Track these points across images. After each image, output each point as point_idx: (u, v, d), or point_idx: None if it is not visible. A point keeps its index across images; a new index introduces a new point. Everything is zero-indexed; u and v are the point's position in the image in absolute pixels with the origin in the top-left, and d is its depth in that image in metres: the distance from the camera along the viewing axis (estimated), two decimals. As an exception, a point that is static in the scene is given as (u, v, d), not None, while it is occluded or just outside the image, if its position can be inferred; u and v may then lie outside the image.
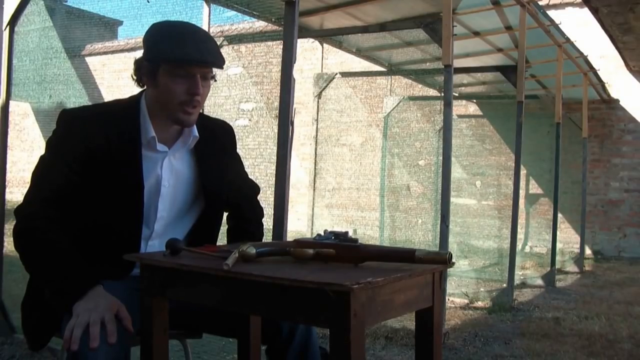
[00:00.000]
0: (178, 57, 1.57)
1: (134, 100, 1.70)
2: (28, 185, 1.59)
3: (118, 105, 1.71)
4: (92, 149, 1.59)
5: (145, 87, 1.69)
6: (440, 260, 1.33)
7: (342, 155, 9.71)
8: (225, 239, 1.90)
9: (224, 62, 1.66)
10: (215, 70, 1.69)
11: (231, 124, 1.94)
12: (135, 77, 1.68)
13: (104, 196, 1.60)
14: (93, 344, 1.34)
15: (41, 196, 1.57)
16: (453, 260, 1.35)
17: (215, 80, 1.73)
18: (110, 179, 1.60)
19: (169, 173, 1.69)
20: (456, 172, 8.56)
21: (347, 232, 1.45)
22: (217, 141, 1.81)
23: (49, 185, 1.57)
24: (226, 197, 1.80)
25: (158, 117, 1.66)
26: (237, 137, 1.92)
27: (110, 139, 1.61)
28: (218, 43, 4.37)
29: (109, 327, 1.38)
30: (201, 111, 1.76)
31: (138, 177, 1.63)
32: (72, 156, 1.58)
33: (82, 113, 1.68)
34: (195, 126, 1.72)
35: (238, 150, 1.92)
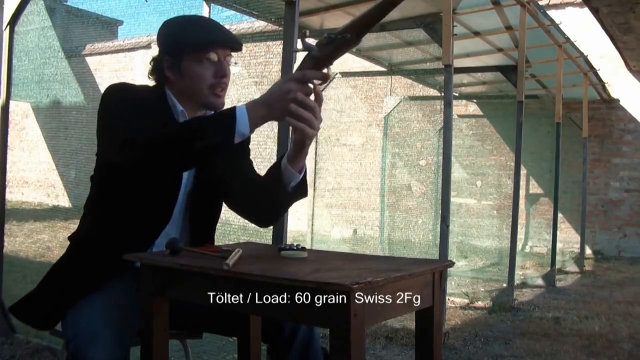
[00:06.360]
0: (204, 40, 1.61)
1: (157, 88, 1.70)
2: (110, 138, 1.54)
3: (148, 87, 1.72)
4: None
5: (156, 82, 1.70)
6: None
7: (342, 155, 9.70)
8: (226, 239, 1.90)
9: (242, 45, 1.70)
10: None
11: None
12: (152, 76, 1.69)
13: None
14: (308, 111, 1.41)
15: (134, 132, 1.47)
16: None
17: (236, 64, 1.76)
18: None
19: None
20: (456, 172, 8.56)
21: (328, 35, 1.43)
22: None
23: (131, 129, 1.49)
24: (219, 181, 1.73)
25: (185, 107, 1.67)
26: None
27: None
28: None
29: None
30: None
31: None
32: (138, 108, 1.56)
33: (132, 84, 1.69)
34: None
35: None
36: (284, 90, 1.40)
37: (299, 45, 1.47)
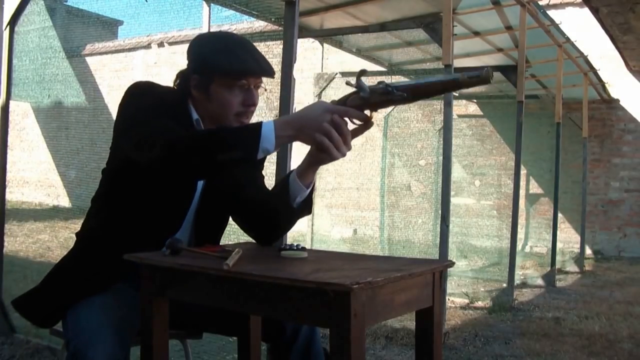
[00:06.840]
0: (238, 69, 1.56)
1: (179, 95, 1.65)
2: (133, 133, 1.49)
3: (172, 89, 1.68)
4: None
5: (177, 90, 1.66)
6: (484, 78, 1.32)
7: (342, 155, 9.69)
8: (226, 239, 1.89)
9: (274, 72, 1.66)
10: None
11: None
12: (177, 89, 1.66)
13: None
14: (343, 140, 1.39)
15: (156, 131, 1.46)
16: (491, 78, 1.31)
17: (266, 90, 1.72)
18: None
19: None
20: (456, 172, 8.56)
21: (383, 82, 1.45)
22: None
23: (152, 127, 1.48)
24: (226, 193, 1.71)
25: (206, 123, 1.64)
26: None
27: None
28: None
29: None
30: None
31: None
32: (161, 108, 1.54)
33: (157, 84, 1.66)
34: None
35: None
36: (320, 119, 1.39)
37: (351, 80, 1.48)
